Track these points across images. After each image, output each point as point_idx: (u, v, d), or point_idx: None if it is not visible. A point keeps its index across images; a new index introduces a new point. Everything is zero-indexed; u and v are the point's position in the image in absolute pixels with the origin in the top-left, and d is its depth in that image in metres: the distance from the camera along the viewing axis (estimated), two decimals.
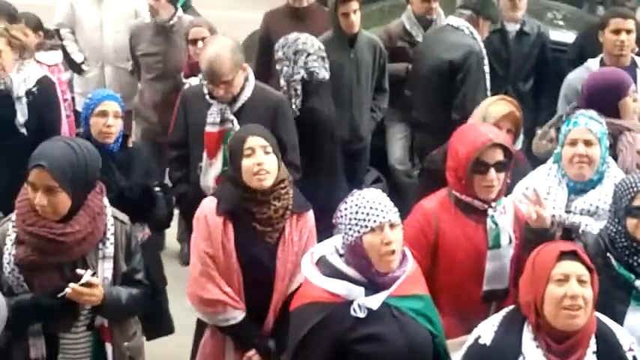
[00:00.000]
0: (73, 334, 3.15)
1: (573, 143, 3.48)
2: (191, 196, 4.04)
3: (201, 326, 3.58)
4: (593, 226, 3.36)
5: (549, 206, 3.37)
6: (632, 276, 3.01)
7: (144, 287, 3.29)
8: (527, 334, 2.67)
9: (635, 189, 3.04)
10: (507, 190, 3.41)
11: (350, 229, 2.72)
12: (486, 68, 5.17)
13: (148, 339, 3.91)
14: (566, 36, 6.07)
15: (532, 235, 3.23)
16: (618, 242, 3.05)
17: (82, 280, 3.01)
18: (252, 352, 3.42)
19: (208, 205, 3.38)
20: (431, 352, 2.82)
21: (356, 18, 5.16)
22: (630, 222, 3.03)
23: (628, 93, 4.07)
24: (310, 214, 3.46)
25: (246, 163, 3.28)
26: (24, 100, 4.38)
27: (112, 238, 3.16)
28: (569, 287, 2.59)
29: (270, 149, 3.32)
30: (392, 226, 2.72)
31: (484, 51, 5.15)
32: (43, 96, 4.46)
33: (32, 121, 4.38)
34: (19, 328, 3.10)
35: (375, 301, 2.70)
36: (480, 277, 3.29)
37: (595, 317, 2.69)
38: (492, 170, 3.22)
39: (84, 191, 3.09)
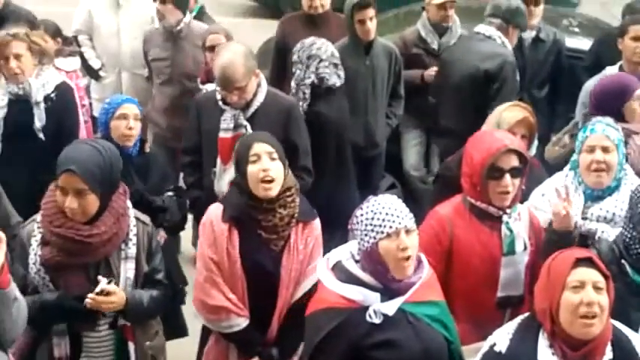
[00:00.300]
0: (97, 333, 3.20)
1: (591, 150, 3.48)
2: (205, 201, 4.06)
3: (206, 332, 3.58)
4: (610, 233, 3.35)
5: (575, 213, 3.36)
6: None
7: (164, 288, 3.33)
8: (543, 342, 2.66)
9: None
10: (523, 196, 3.42)
11: (366, 234, 2.73)
12: None
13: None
14: (582, 43, 6.05)
15: (555, 237, 3.24)
16: (633, 249, 3.05)
17: (97, 289, 3.07)
18: None
19: (214, 212, 3.39)
20: (446, 359, 2.82)
21: (372, 25, 5.17)
22: None
23: (633, 97, 4.08)
24: (316, 223, 3.45)
25: (251, 169, 3.29)
26: (42, 105, 4.43)
27: (134, 239, 3.21)
28: (585, 294, 2.57)
29: (276, 155, 3.32)
30: (407, 231, 2.73)
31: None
32: (62, 101, 4.51)
33: (50, 126, 4.43)
34: (43, 327, 3.16)
35: (391, 307, 2.71)
36: (495, 284, 3.29)
37: (611, 324, 2.67)
38: (507, 176, 3.23)
39: (109, 192, 3.15)
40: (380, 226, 2.70)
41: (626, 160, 3.68)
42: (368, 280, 2.74)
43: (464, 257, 3.29)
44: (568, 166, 3.62)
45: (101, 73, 6.01)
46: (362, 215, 2.76)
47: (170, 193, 4.12)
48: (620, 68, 4.91)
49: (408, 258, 2.72)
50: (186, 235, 5.20)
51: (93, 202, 3.08)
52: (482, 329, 3.04)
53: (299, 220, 3.37)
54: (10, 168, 4.30)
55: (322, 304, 2.78)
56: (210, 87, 4.86)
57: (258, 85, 4.13)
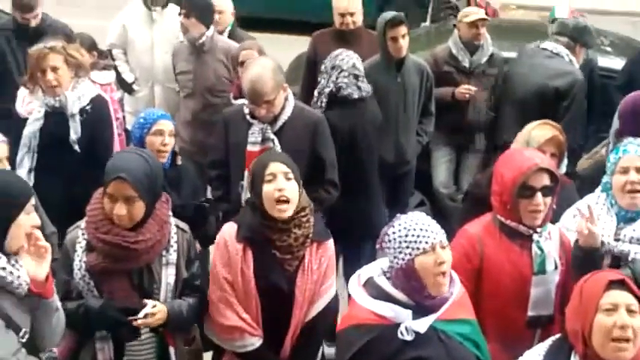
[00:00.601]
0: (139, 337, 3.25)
1: (624, 171, 3.45)
2: (233, 215, 4.09)
3: (219, 351, 3.57)
4: None
5: (599, 232, 3.35)
6: None
7: (202, 293, 3.38)
8: None
9: None
10: (554, 216, 3.40)
11: (400, 252, 2.73)
12: None
13: None
14: (615, 62, 6.03)
15: (581, 253, 3.23)
16: None
17: (141, 315, 3.14)
18: None
19: (228, 231, 3.39)
20: None
21: (404, 42, 5.19)
22: None
23: None
24: (330, 243, 3.45)
25: (267, 188, 3.29)
26: (77, 117, 4.49)
27: (175, 246, 3.28)
28: (619, 317, 2.55)
29: (291, 175, 3.32)
30: (442, 247, 2.73)
31: None
32: (97, 114, 4.57)
33: (85, 139, 4.49)
34: (87, 332, 3.23)
35: (423, 325, 2.71)
36: (525, 303, 3.28)
37: None
38: (539, 194, 3.22)
39: (154, 200, 3.22)
40: (415, 242, 2.71)
41: None
42: (400, 297, 2.75)
43: (494, 276, 3.28)
44: (600, 188, 3.60)
45: (134, 86, 6.07)
46: (394, 233, 2.76)
47: (206, 205, 4.18)
48: None
49: (444, 273, 2.72)
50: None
51: (140, 209, 3.15)
52: (511, 349, 3.03)
53: (313, 240, 3.38)
54: (45, 179, 4.37)
55: (354, 321, 2.78)
56: (242, 102, 4.91)
57: (286, 99, 4.17)
